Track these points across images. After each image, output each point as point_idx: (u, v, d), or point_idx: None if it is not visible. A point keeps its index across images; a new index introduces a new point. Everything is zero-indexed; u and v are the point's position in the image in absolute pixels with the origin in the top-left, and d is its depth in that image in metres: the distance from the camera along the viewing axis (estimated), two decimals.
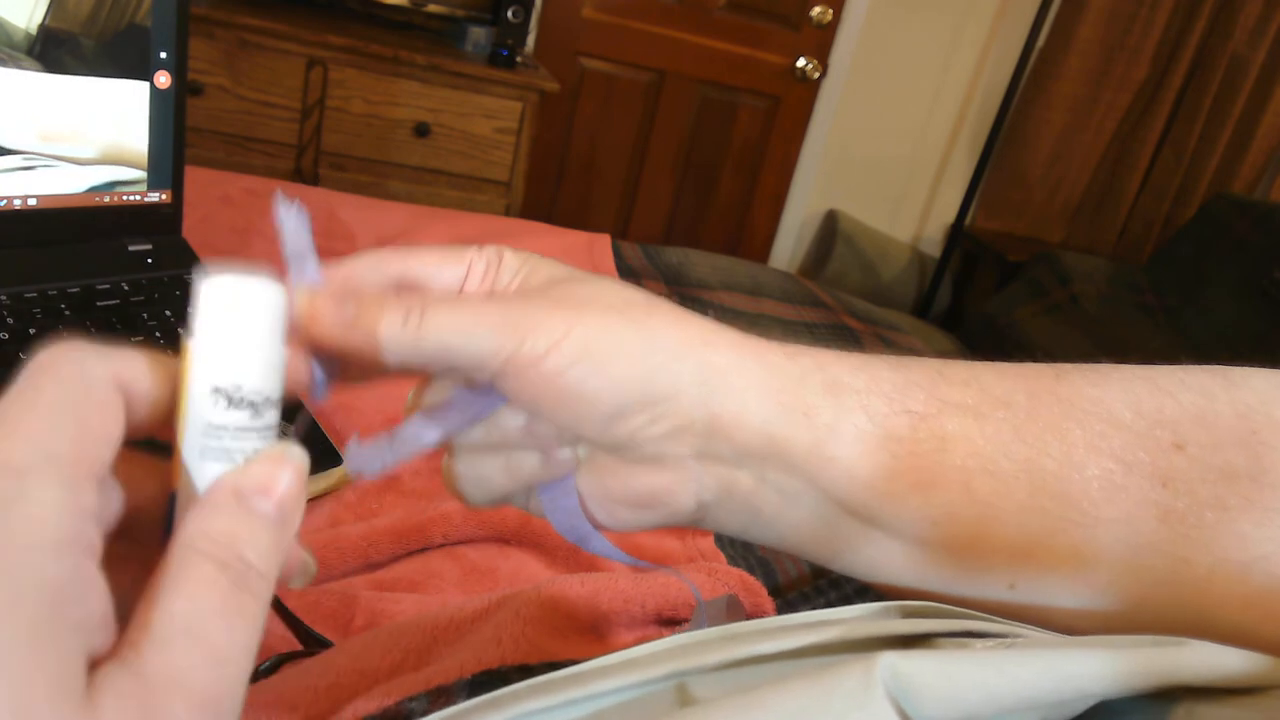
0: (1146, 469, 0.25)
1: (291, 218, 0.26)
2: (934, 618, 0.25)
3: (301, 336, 0.25)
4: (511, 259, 0.29)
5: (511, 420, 0.28)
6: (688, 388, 0.26)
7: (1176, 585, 0.25)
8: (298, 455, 0.21)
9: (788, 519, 0.28)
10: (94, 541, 0.17)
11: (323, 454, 0.65)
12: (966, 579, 0.26)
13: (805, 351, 0.28)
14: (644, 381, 0.26)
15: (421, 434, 0.28)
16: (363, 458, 0.28)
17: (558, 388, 0.25)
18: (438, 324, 0.25)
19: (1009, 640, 0.23)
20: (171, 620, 0.18)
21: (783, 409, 0.26)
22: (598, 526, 0.29)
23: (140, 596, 0.18)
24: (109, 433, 0.18)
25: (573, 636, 0.43)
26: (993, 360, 0.29)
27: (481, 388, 0.27)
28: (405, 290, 0.28)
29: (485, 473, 0.30)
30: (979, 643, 0.23)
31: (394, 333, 0.25)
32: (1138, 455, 0.25)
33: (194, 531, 0.19)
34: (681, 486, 0.28)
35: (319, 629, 0.58)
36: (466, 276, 0.28)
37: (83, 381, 0.18)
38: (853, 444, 0.26)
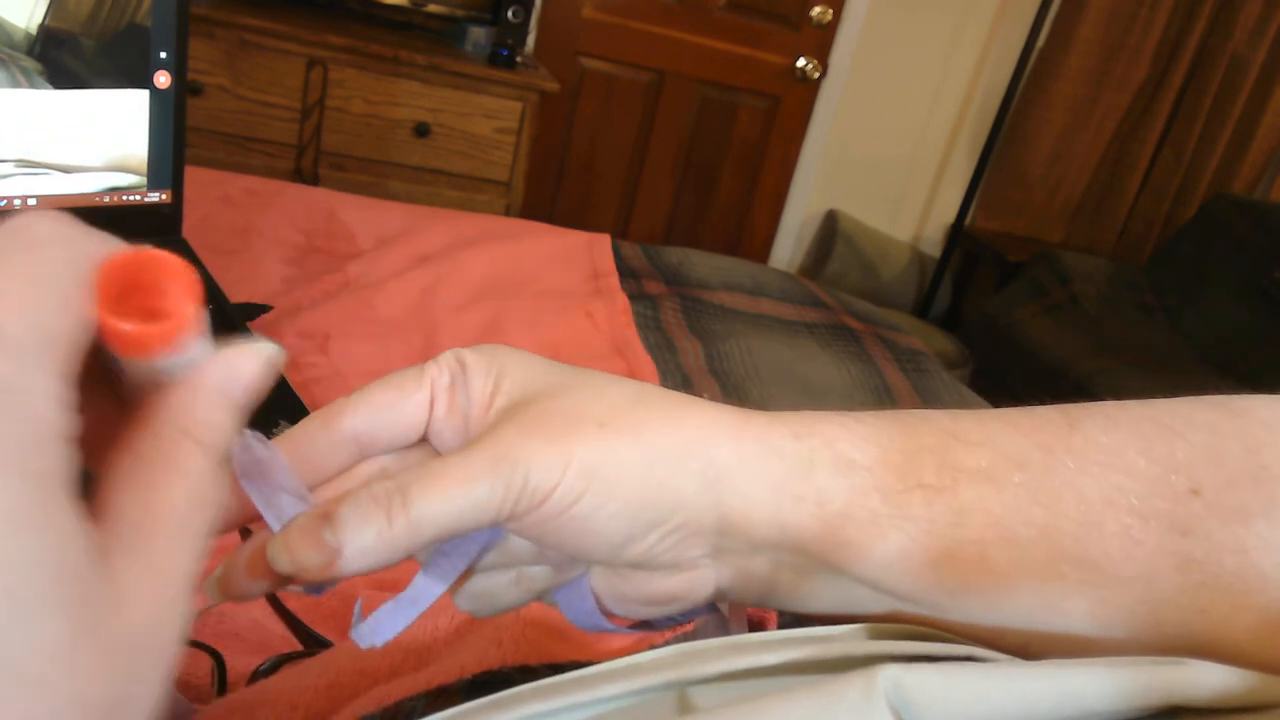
0: (1165, 520, 0.24)
1: (252, 454, 0.23)
2: (937, 641, 0.24)
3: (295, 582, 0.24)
4: (476, 363, 0.26)
5: (519, 542, 0.27)
6: (694, 496, 0.25)
7: (1195, 635, 0.24)
8: (272, 351, 0.22)
9: (804, 588, 0.27)
10: (72, 430, 0.17)
11: None
12: (977, 637, 0.26)
13: (812, 427, 0.26)
14: (650, 502, 0.25)
15: (427, 591, 0.26)
16: (371, 631, 0.26)
17: (562, 524, 0.24)
18: (426, 506, 0.23)
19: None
20: (171, 506, 0.19)
21: (793, 500, 0.25)
22: (614, 619, 0.29)
23: (122, 470, 0.19)
24: (90, 319, 0.18)
25: (574, 638, 0.42)
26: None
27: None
28: (367, 445, 0.26)
29: (494, 589, 0.28)
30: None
31: (386, 539, 0.23)
32: (1155, 505, 0.25)
33: (189, 416, 0.20)
34: (698, 582, 0.27)
35: (319, 629, 0.58)
36: (432, 402, 0.26)
37: (76, 259, 0.18)
38: (867, 528, 0.25)
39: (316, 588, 0.25)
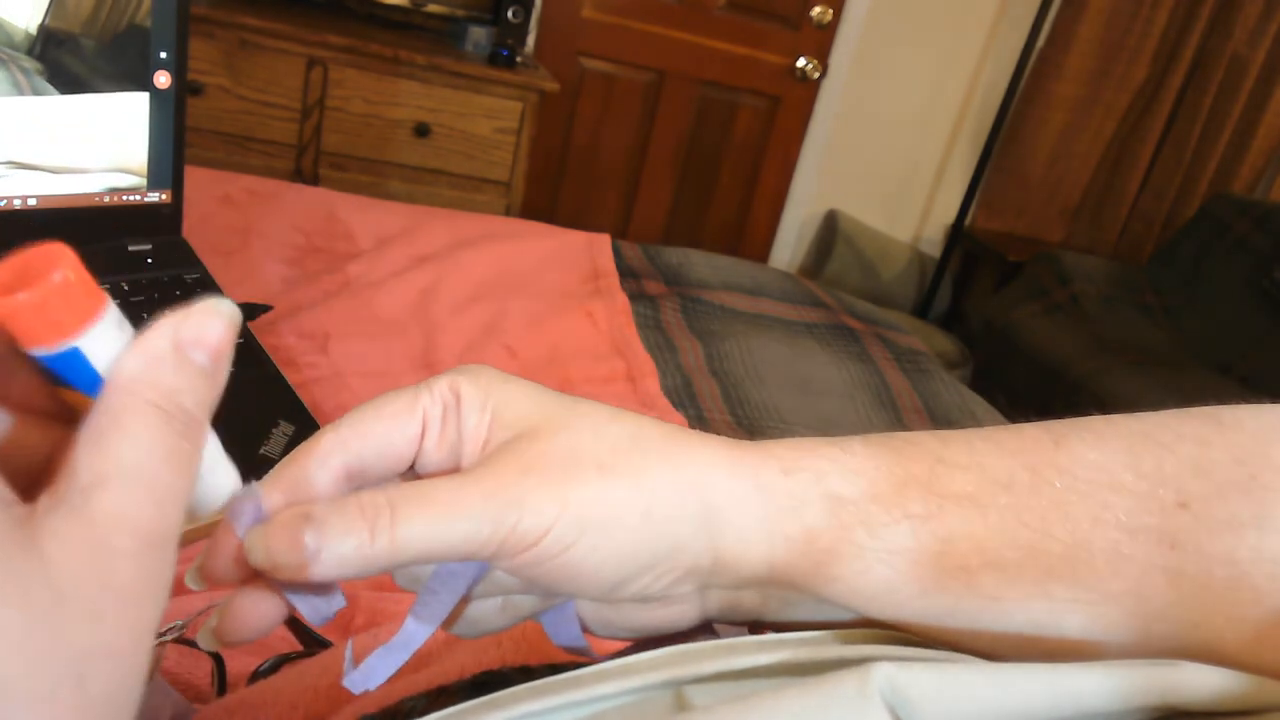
0: (1153, 534, 0.24)
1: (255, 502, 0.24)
2: (931, 649, 0.25)
3: (269, 583, 0.24)
4: (470, 393, 0.26)
5: (507, 576, 0.26)
6: (690, 538, 0.25)
7: (1189, 649, 0.24)
8: (228, 308, 0.21)
9: (792, 617, 0.28)
10: None
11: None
12: (970, 651, 0.26)
13: (800, 460, 0.26)
14: (646, 547, 0.25)
15: (418, 633, 0.26)
16: (363, 677, 0.25)
17: (555, 567, 0.24)
18: (411, 529, 0.23)
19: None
20: (118, 463, 0.18)
21: (784, 539, 0.26)
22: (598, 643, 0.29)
23: (69, 442, 0.18)
24: None
25: None
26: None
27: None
28: (357, 477, 0.25)
29: (480, 615, 0.28)
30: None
31: (365, 553, 0.23)
32: (1143, 520, 0.24)
33: (137, 380, 0.19)
34: (685, 614, 0.27)
35: (319, 629, 0.58)
36: (424, 432, 0.26)
37: None
38: (853, 562, 0.25)
39: (322, 616, 0.25)
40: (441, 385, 0.26)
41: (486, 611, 0.28)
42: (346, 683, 0.25)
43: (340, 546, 0.23)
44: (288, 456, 0.25)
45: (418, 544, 0.23)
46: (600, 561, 0.24)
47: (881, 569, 0.25)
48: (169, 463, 0.19)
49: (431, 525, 0.23)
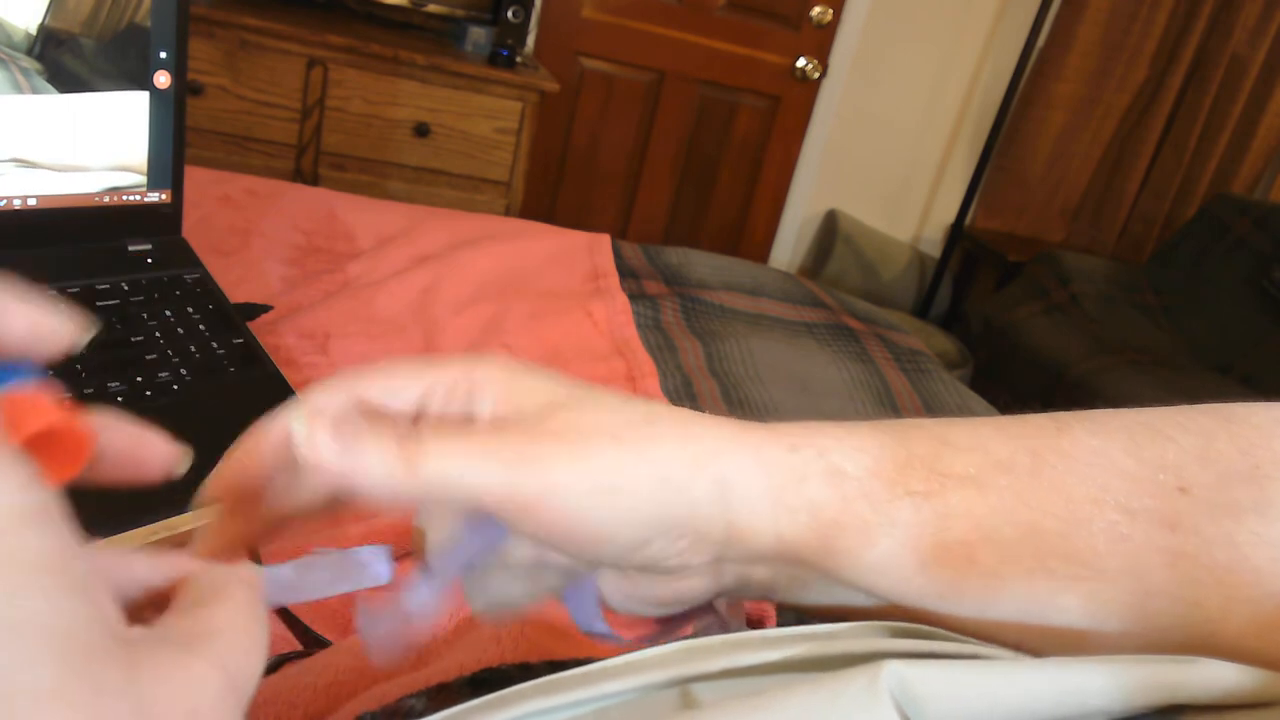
0: (1152, 515, 0.25)
1: None
2: (941, 640, 0.25)
3: (299, 458, 0.25)
4: (486, 374, 0.27)
5: (529, 544, 0.28)
6: (702, 506, 0.26)
7: (1189, 628, 0.25)
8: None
9: (801, 595, 0.28)
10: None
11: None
12: (972, 636, 0.26)
13: (806, 438, 0.27)
14: (660, 511, 0.25)
15: (428, 595, 0.27)
16: (379, 644, 0.26)
17: (569, 526, 0.25)
18: (433, 464, 0.24)
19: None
20: (225, 621, 0.20)
21: (790, 511, 0.26)
22: (616, 627, 0.29)
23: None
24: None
25: (574, 636, 0.42)
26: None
27: (488, 517, 0.26)
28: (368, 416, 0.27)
29: (502, 590, 0.29)
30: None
31: (390, 468, 0.24)
32: (1143, 502, 0.25)
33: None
34: (700, 588, 0.28)
35: (319, 629, 0.58)
36: (429, 396, 0.27)
37: None
38: (857, 535, 0.26)
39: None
40: (455, 367, 0.27)
41: (510, 587, 0.29)
42: (360, 632, 0.27)
43: (368, 460, 0.24)
44: (301, 395, 0.27)
45: (434, 479, 0.24)
46: (617, 525, 0.25)
47: (886, 541, 0.26)
48: (258, 621, 0.21)
49: (453, 456, 0.24)
